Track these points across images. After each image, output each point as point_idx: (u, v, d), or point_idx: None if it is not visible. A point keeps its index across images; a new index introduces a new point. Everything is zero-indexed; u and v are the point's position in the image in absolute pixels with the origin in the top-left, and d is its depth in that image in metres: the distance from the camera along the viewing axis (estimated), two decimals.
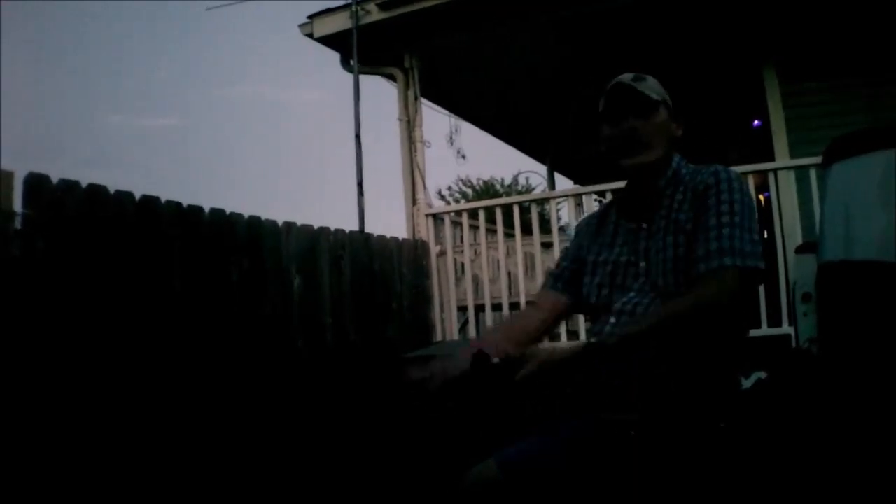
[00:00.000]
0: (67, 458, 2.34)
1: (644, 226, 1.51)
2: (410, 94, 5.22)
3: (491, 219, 5.19)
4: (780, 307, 3.86)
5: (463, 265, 5.39)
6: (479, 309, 5.11)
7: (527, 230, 4.80)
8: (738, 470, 1.33)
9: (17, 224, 2.37)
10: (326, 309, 3.82)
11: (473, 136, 8.00)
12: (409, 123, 5.22)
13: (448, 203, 19.29)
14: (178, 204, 3.04)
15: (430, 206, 5.19)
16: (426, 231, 5.01)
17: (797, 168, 4.18)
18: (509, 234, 5.16)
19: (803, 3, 4.64)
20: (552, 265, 5.52)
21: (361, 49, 5.00)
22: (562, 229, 5.40)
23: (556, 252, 4.72)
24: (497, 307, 4.98)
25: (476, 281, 5.40)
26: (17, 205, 2.39)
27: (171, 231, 2.97)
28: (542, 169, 9.47)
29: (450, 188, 22.32)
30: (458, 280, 5.20)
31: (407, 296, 4.62)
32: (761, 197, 4.84)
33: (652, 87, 1.50)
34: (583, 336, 4.37)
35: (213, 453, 2.80)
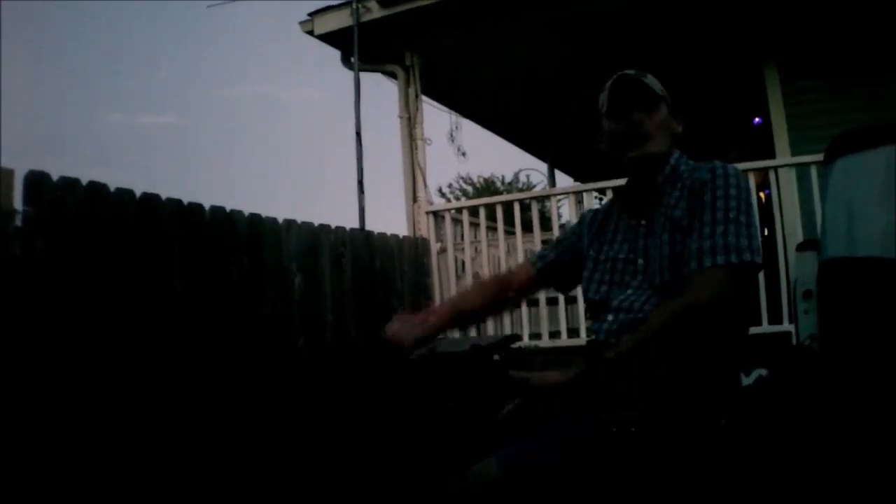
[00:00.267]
0: (67, 458, 2.34)
1: (643, 223, 1.51)
2: (411, 91, 5.21)
3: (492, 216, 5.19)
4: (780, 304, 3.86)
5: (464, 263, 5.39)
6: None
7: (527, 228, 4.80)
8: (739, 468, 1.32)
9: (18, 222, 2.37)
10: (327, 307, 3.82)
11: (474, 134, 7.99)
12: (410, 121, 5.22)
13: (449, 201, 19.29)
14: (179, 201, 3.04)
15: (430, 203, 5.19)
16: (427, 229, 5.01)
17: (798, 166, 4.18)
18: (510, 232, 5.16)
19: (804, 2, 4.64)
20: None
21: (362, 46, 5.00)
22: (563, 227, 5.40)
23: None
24: None
25: (477, 278, 5.40)
26: (18, 203, 2.38)
27: (171, 229, 2.96)
28: (543, 166, 9.48)
29: (450, 186, 22.34)
30: (459, 278, 5.20)
31: (408, 294, 4.62)
32: (762, 195, 4.84)
33: (653, 82, 1.50)
34: (583, 335, 4.37)
35: (213, 452, 2.80)
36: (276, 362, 3.37)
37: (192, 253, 3.04)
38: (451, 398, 1.49)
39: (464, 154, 6.65)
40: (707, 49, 5.32)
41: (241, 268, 3.28)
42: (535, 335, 4.74)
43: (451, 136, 6.57)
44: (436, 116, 6.46)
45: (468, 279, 5.28)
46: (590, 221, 1.67)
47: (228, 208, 3.30)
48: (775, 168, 4.20)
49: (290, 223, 3.64)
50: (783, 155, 4.84)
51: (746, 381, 1.56)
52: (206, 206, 3.18)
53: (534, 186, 19.29)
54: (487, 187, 22.29)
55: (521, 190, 19.61)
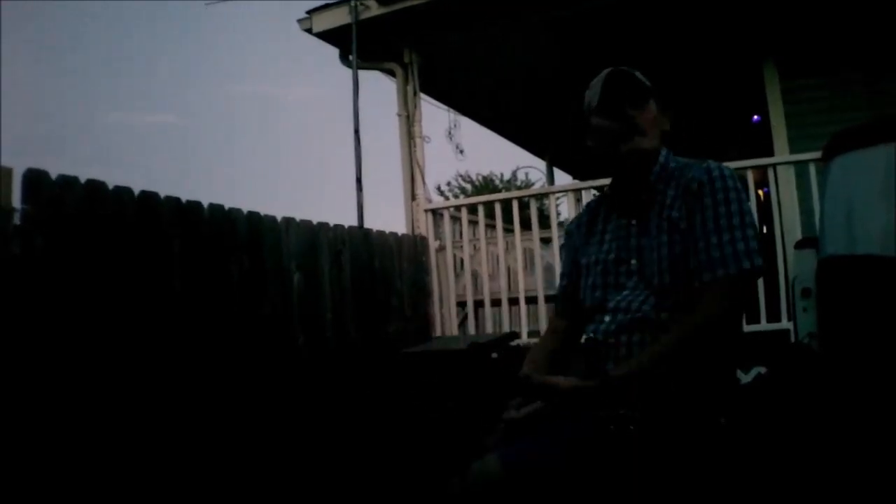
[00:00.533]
0: (67, 457, 2.34)
1: (634, 222, 1.50)
2: (409, 89, 5.20)
3: (490, 214, 5.18)
4: (779, 302, 3.86)
5: (462, 261, 5.39)
6: (479, 304, 5.11)
7: (526, 225, 4.79)
8: (738, 465, 1.33)
9: (17, 220, 2.37)
10: (327, 305, 3.81)
11: (473, 132, 7.97)
12: (409, 119, 5.21)
13: (447, 199, 19.28)
14: (178, 200, 3.04)
15: (429, 201, 5.18)
16: (425, 226, 5.01)
17: (797, 163, 4.18)
18: (508, 230, 5.16)
19: (803, 0, 4.63)
20: (551, 260, 5.46)
21: (360, 44, 4.99)
22: (561, 224, 5.40)
23: (556, 247, 4.72)
24: (496, 303, 4.98)
25: (475, 276, 5.40)
26: (17, 201, 2.38)
27: (170, 227, 2.96)
28: (542, 164, 9.47)
29: (449, 184, 22.33)
30: (458, 275, 5.20)
31: (407, 291, 4.62)
32: (760, 192, 4.84)
33: (642, 77, 1.49)
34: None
35: (213, 451, 2.80)
36: (276, 361, 3.36)
37: (192, 251, 3.03)
38: (451, 398, 1.49)
39: (462, 152, 6.63)
40: (706, 47, 5.31)
41: (241, 266, 3.28)
42: (534, 333, 4.73)
43: (450, 133, 6.56)
44: (434, 114, 6.45)
45: (467, 277, 5.28)
46: (575, 231, 1.66)
47: (227, 207, 3.30)
48: (774, 166, 4.20)
49: (288, 221, 3.64)
50: (782, 153, 4.83)
51: (745, 378, 1.56)
52: (205, 204, 3.18)
53: (532, 184, 19.28)
54: (486, 185, 22.28)
55: (519, 188, 19.61)
